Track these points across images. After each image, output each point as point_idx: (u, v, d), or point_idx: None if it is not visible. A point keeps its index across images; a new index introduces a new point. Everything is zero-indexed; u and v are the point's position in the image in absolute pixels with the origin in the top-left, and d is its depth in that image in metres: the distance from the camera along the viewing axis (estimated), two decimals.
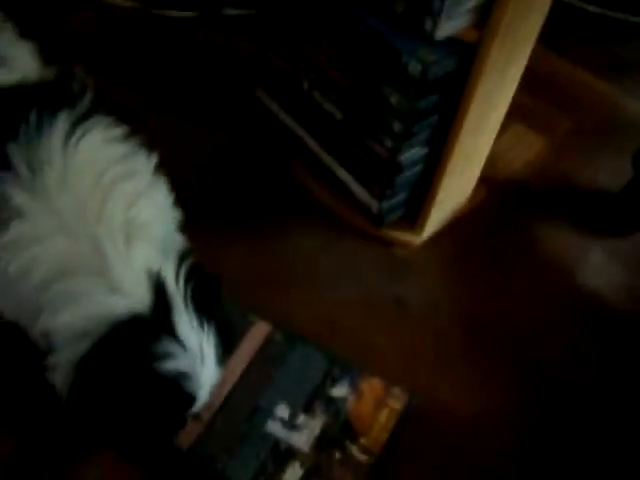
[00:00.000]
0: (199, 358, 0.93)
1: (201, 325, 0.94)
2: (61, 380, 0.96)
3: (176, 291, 0.93)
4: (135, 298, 0.91)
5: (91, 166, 0.97)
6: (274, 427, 1.21)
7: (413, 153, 1.37)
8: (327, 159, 1.54)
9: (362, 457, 1.20)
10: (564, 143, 1.79)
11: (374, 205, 1.46)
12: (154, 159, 1.07)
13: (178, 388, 0.93)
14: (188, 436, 1.17)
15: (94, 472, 1.15)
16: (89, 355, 0.92)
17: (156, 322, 0.91)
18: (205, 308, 0.96)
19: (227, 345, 1.01)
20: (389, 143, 1.35)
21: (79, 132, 0.99)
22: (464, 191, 1.56)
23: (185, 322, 0.92)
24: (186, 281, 0.96)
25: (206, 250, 1.31)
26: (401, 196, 1.47)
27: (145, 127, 1.09)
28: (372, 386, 1.27)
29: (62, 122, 0.98)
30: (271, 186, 1.60)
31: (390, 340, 1.37)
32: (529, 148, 1.76)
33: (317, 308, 1.39)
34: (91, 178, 0.96)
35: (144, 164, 1.05)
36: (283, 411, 1.23)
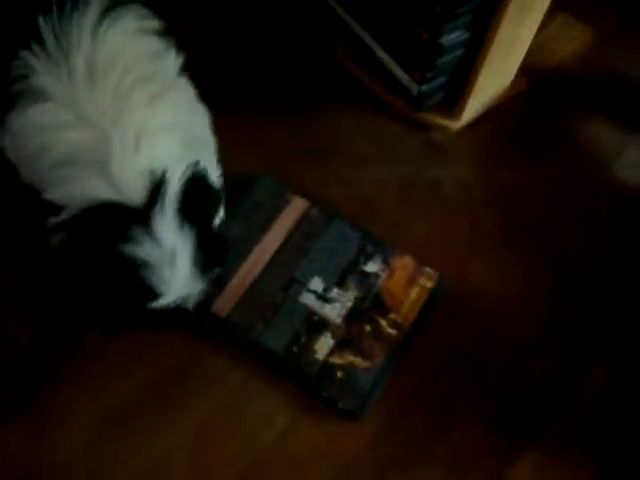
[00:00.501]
0: (168, 255, 0.96)
1: (181, 228, 0.97)
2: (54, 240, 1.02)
3: (169, 192, 0.96)
4: (126, 194, 0.95)
5: (118, 60, 0.98)
6: (308, 299, 1.26)
7: (454, 37, 1.35)
8: (369, 41, 1.53)
9: (391, 331, 1.24)
10: (611, 36, 1.75)
11: (414, 88, 1.46)
12: (181, 59, 1.08)
13: (139, 275, 0.96)
14: (225, 304, 1.23)
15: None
16: (64, 225, 0.98)
17: (135, 212, 0.94)
18: (194, 215, 0.99)
19: (215, 258, 1.03)
20: (430, 25, 1.34)
21: (112, 18, 0.99)
22: (504, 79, 1.55)
23: (165, 220, 0.95)
24: (185, 186, 0.98)
25: (247, 128, 1.38)
26: (441, 80, 1.46)
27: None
28: (404, 264, 1.31)
29: (97, 4, 0.99)
30: (314, 68, 1.60)
31: (423, 221, 1.40)
32: (575, 39, 1.72)
33: (353, 187, 1.42)
34: (116, 74, 0.97)
35: (172, 64, 1.06)
36: (317, 284, 1.27)
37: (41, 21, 0.97)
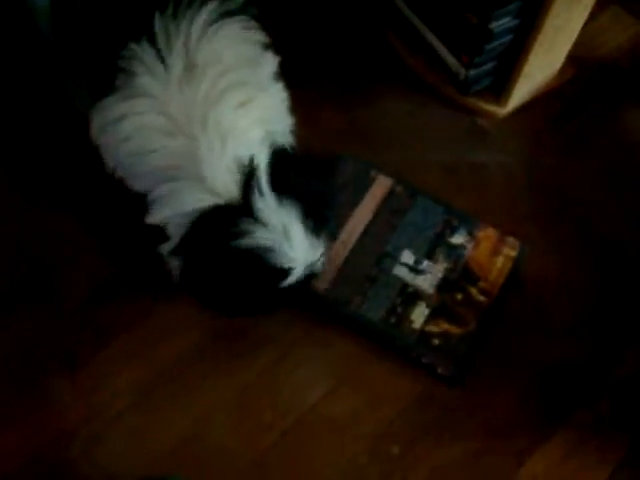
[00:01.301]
0: (282, 233, 1.00)
1: (282, 203, 1.00)
2: (173, 265, 1.08)
3: (261, 176, 1.00)
4: (224, 194, 0.99)
5: (216, 64, 1.02)
6: (401, 271, 1.30)
7: (504, 22, 1.39)
8: (419, 26, 1.57)
9: (481, 298, 1.29)
10: None
11: (462, 72, 1.50)
12: (276, 63, 1.11)
13: (265, 262, 1.00)
14: (323, 281, 1.27)
15: None
16: (180, 244, 1.03)
17: (237, 208, 0.99)
18: (288, 188, 1.02)
19: (321, 218, 1.06)
20: (481, 10, 1.38)
21: (219, 25, 1.04)
22: (552, 67, 1.59)
23: (266, 203, 0.99)
24: (272, 165, 1.02)
25: (305, 108, 1.41)
26: (489, 65, 1.50)
27: None
28: (488, 234, 1.36)
29: (209, 11, 1.03)
30: (366, 52, 1.64)
31: (464, 205, 1.42)
32: (624, 31, 1.75)
33: (398, 169, 1.45)
34: (211, 78, 1.01)
35: (268, 69, 1.10)
36: (408, 257, 1.32)
37: (157, 18, 1.01)
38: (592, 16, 1.54)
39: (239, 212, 0.99)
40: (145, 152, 1.01)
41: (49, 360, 1.21)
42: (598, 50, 1.71)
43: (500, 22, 1.39)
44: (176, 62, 1.00)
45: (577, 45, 1.57)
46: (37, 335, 1.23)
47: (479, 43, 1.43)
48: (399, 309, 1.27)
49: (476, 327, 1.26)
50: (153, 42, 1.00)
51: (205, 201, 0.99)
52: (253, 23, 1.10)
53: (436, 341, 1.24)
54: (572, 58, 1.61)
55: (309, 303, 1.26)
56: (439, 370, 1.22)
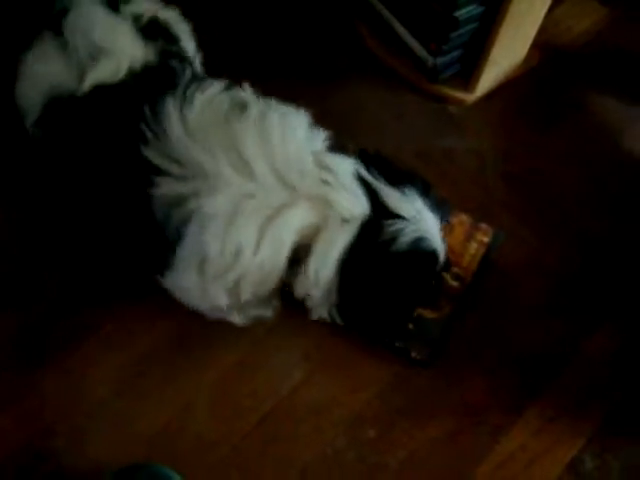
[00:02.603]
0: (420, 219, 0.99)
1: (405, 195, 0.99)
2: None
3: (374, 183, 0.98)
4: (359, 210, 0.96)
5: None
6: None
7: (469, 10, 1.42)
8: (388, 16, 1.59)
9: (454, 283, 1.32)
10: (623, 15, 1.81)
11: (429, 60, 1.52)
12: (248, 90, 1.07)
13: (421, 252, 0.99)
14: None
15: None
16: (343, 279, 0.98)
17: (375, 219, 0.96)
18: (397, 179, 1.01)
19: (428, 191, 1.06)
20: None
21: (186, 107, 0.99)
22: (518, 53, 1.62)
23: (396, 200, 0.98)
24: (373, 169, 1.00)
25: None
26: (456, 53, 1.53)
27: None
28: (461, 221, 1.38)
29: (171, 106, 0.98)
30: (335, 43, 1.66)
31: (438, 187, 1.42)
32: (589, 16, 1.79)
33: None
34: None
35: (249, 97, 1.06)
36: None
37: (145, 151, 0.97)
38: (557, 2, 1.58)
39: (379, 221, 0.97)
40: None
41: (31, 352, 1.22)
42: (563, 36, 1.74)
43: (465, 10, 1.41)
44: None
45: (542, 31, 1.60)
46: (19, 328, 1.24)
47: (445, 31, 1.45)
48: None
49: (449, 311, 1.29)
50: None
51: (348, 232, 0.96)
52: (207, 80, 1.07)
53: (410, 325, 1.26)
54: (538, 44, 1.64)
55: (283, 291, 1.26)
56: (413, 354, 1.25)
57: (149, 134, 0.95)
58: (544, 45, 1.67)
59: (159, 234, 0.96)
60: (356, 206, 0.95)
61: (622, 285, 1.39)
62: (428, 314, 1.28)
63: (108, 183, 1.00)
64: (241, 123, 0.96)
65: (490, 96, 1.62)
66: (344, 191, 0.95)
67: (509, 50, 1.55)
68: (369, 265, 0.97)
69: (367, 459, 1.18)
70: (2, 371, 1.20)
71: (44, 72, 1.07)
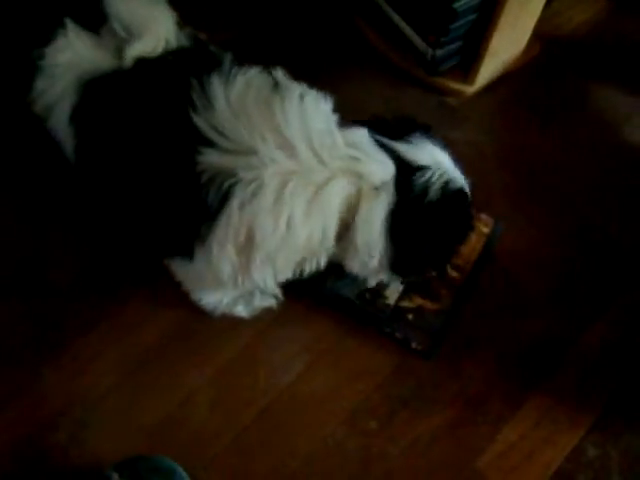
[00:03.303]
0: (438, 163, 1.04)
1: (415, 143, 1.04)
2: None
3: (389, 142, 1.03)
4: (387, 174, 1.00)
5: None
6: None
7: (467, 1, 1.42)
8: (386, 8, 1.59)
9: (455, 274, 1.32)
10: (624, 5, 1.81)
11: (429, 52, 1.52)
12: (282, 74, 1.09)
13: (452, 194, 1.05)
14: None
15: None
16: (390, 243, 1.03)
17: (402, 177, 1.01)
18: (402, 132, 1.06)
19: (429, 132, 1.12)
20: None
21: (230, 86, 1.01)
22: (518, 44, 1.62)
23: (415, 151, 1.03)
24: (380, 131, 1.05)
25: None
26: (455, 45, 1.53)
27: None
28: None
29: (217, 82, 1.01)
30: (335, 37, 1.66)
31: None
32: (589, 7, 1.79)
33: None
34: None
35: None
36: None
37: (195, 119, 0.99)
38: None
39: (407, 178, 1.01)
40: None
41: (32, 346, 1.23)
42: (564, 26, 1.74)
43: (464, 1, 1.41)
44: None
45: (542, 22, 1.60)
46: (21, 322, 1.25)
47: (444, 23, 1.45)
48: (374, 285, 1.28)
49: (450, 302, 1.29)
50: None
51: (384, 198, 1.00)
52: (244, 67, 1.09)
53: (410, 316, 1.27)
54: (538, 35, 1.64)
55: (286, 282, 1.27)
56: (413, 345, 1.25)
57: (199, 103, 0.98)
58: (544, 36, 1.67)
59: (198, 204, 0.97)
60: (384, 172, 1.00)
61: (622, 275, 1.39)
62: (428, 305, 1.28)
63: (155, 148, 1.01)
64: (282, 104, 0.99)
65: (490, 88, 1.61)
66: (371, 161, 0.99)
67: (508, 41, 1.55)
68: (412, 222, 1.02)
69: (368, 449, 1.19)
70: (4, 365, 1.21)
71: (74, 60, 1.07)
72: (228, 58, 1.07)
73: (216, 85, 1.00)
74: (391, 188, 0.99)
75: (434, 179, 1.02)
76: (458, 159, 1.48)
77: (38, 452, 1.15)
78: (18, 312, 1.25)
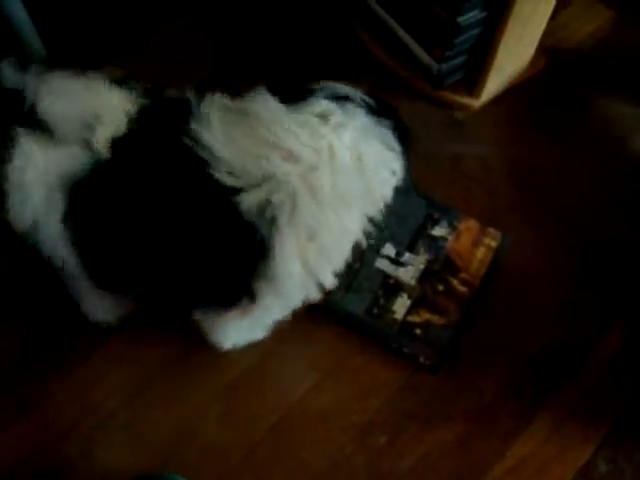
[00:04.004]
0: None
1: None
2: None
3: None
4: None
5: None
6: (382, 264, 1.33)
7: (472, 16, 1.42)
8: (391, 22, 1.60)
9: (463, 289, 1.32)
10: (631, 16, 1.80)
11: (434, 66, 1.53)
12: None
13: None
14: None
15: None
16: None
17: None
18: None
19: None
20: (448, 4, 1.41)
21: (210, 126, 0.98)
22: (523, 58, 1.62)
23: None
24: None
25: None
26: (460, 59, 1.53)
27: None
28: (469, 226, 1.39)
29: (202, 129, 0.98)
30: (337, 50, 1.66)
31: (443, 195, 1.46)
32: (595, 19, 1.78)
33: None
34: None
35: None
36: (390, 250, 1.35)
37: None
38: (562, 6, 1.57)
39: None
40: None
41: (44, 362, 1.24)
42: (569, 39, 1.74)
43: (467, 15, 1.42)
44: None
45: (548, 35, 1.60)
46: (32, 339, 1.26)
47: (448, 37, 1.46)
48: (381, 300, 1.29)
49: (458, 317, 1.29)
50: None
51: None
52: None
53: (418, 331, 1.27)
54: (544, 48, 1.64)
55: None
56: (421, 359, 1.25)
57: (206, 157, 0.95)
58: (550, 49, 1.67)
59: (250, 244, 0.96)
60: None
61: (632, 287, 1.38)
62: (436, 320, 1.28)
63: (188, 213, 0.97)
64: (258, 120, 0.98)
65: (496, 101, 1.61)
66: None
67: (514, 55, 1.55)
68: None
69: (378, 465, 1.18)
70: (16, 381, 1.21)
71: (43, 170, 0.94)
72: (191, 97, 1.02)
73: (202, 132, 0.96)
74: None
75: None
76: (465, 173, 1.51)
77: (48, 467, 1.15)
78: (28, 330, 1.26)
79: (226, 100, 1.02)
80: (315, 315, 1.29)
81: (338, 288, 1.26)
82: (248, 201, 0.94)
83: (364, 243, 1.07)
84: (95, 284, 1.06)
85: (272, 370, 1.26)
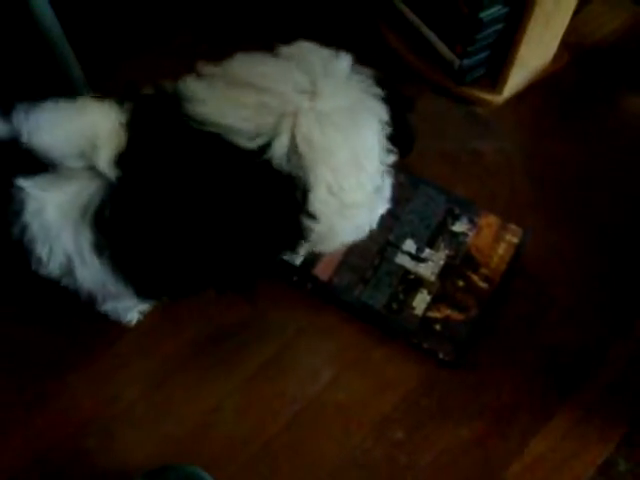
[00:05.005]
0: None
1: None
2: None
3: None
4: None
5: None
6: (403, 259, 1.33)
7: (494, 11, 1.41)
8: (413, 18, 1.60)
9: (483, 285, 1.32)
10: None
11: (456, 62, 1.52)
12: None
13: None
14: (326, 269, 1.31)
15: None
16: None
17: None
18: None
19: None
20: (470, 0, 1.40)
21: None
22: (546, 54, 1.61)
23: None
24: None
25: None
26: (482, 55, 1.52)
27: None
28: (489, 222, 1.39)
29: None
30: (360, 46, 1.66)
31: (464, 191, 1.45)
32: (619, 15, 1.77)
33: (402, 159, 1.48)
34: None
35: None
36: (410, 246, 1.35)
37: None
38: (586, 1, 1.56)
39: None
40: None
41: (62, 354, 1.25)
42: (593, 35, 1.73)
43: (490, 11, 1.41)
44: None
45: (571, 30, 1.59)
46: (50, 331, 1.27)
47: (470, 33, 1.45)
48: (401, 296, 1.29)
49: (477, 313, 1.28)
50: None
51: None
52: None
53: (437, 327, 1.27)
54: (567, 44, 1.63)
55: (313, 290, 1.30)
56: (440, 355, 1.25)
57: (216, 131, 0.95)
58: (573, 45, 1.66)
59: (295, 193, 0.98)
60: None
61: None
62: (455, 315, 1.28)
63: (227, 188, 0.97)
64: (242, 74, 1.00)
65: (519, 97, 1.61)
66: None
67: (537, 51, 1.54)
68: None
69: (396, 460, 1.18)
70: (34, 373, 1.23)
71: (59, 211, 0.91)
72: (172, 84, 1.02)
73: (200, 109, 0.96)
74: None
75: None
76: (486, 168, 1.50)
77: (66, 459, 1.16)
78: (46, 322, 1.27)
79: (206, 68, 1.03)
80: (334, 310, 1.29)
81: (359, 283, 1.27)
82: (277, 154, 0.95)
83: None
84: (138, 295, 1.06)
85: (290, 364, 1.26)
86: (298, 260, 1.31)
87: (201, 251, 1.00)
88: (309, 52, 1.05)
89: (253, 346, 1.26)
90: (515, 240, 1.36)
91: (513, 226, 1.38)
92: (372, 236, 1.32)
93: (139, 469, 1.10)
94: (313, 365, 1.26)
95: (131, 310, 1.24)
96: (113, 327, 1.27)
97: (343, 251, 1.32)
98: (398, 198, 1.37)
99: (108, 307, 1.20)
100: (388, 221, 1.36)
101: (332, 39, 1.67)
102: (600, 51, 1.70)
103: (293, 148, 0.95)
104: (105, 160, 0.91)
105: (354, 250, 1.33)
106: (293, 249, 1.09)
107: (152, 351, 1.26)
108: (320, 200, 0.99)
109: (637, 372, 1.28)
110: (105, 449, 1.17)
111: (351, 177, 1.01)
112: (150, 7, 1.70)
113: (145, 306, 1.25)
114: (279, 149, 0.95)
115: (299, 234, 1.04)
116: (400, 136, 1.08)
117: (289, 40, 1.51)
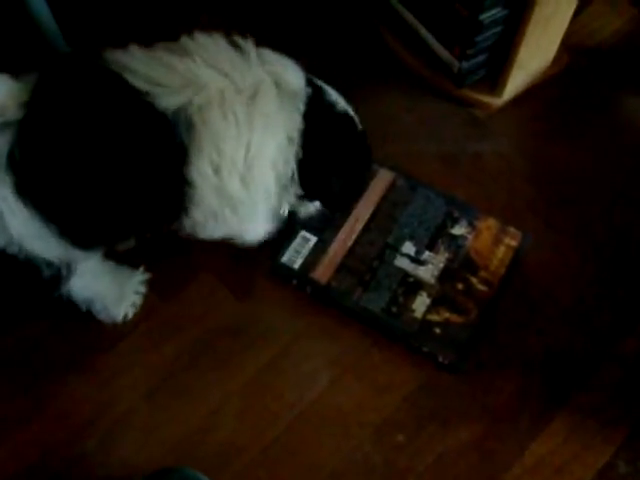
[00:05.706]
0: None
1: None
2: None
3: None
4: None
5: None
6: (402, 262, 1.33)
7: (493, 13, 1.41)
8: (412, 21, 1.59)
9: (482, 288, 1.31)
10: None
11: (455, 65, 1.52)
12: None
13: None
14: (325, 272, 1.31)
15: None
16: None
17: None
18: None
19: None
20: (470, 2, 1.40)
21: None
22: (545, 56, 1.60)
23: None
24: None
25: None
26: (481, 57, 1.52)
27: None
28: (488, 225, 1.38)
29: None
30: (360, 49, 1.66)
31: (463, 194, 1.45)
32: (619, 17, 1.77)
33: (397, 162, 1.48)
34: None
35: None
36: (409, 248, 1.34)
37: None
38: (585, 3, 1.56)
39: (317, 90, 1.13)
40: None
41: (61, 357, 1.25)
42: (593, 37, 1.72)
43: (489, 13, 1.41)
44: None
45: (571, 33, 1.59)
46: (49, 332, 1.27)
47: (470, 35, 1.45)
48: (400, 299, 1.29)
49: (477, 316, 1.28)
50: None
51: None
52: None
53: (437, 330, 1.26)
54: (567, 46, 1.62)
55: (312, 293, 1.30)
56: (440, 358, 1.24)
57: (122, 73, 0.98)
58: (573, 47, 1.66)
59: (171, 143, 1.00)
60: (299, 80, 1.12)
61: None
62: (455, 318, 1.28)
63: (113, 120, 0.98)
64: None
65: (518, 100, 1.60)
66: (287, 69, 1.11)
67: (536, 53, 1.54)
68: (324, 129, 1.13)
69: (395, 463, 1.18)
70: (33, 376, 1.23)
71: None
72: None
73: (120, 57, 0.99)
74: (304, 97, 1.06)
75: (337, 97, 1.13)
76: (485, 171, 1.50)
77: (66, 461, 1.16)
78: (45, 324, 1.27)
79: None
80: (333, 313, 1.29)
81: (357, 286, 1.27)
82: (165, 102, 0.96)
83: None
84: (74, 244, 1.05)
85: (289, 367, 1.26)
86: (297, 264, 1.30)
87: (100, 191, 1.00)
88: (268, 56, 1.08)
89: (252, 350, 1.26)
90: (514, 243, 1.36)
91: (512, 229, 1.37)
92: (371, 239, 1.32)
93: (139, 472, 1.10)
94: (312, 368, 1.26)
95: (118, 303, 1.25)
96: (112, 331, 1.27)
97: (342, 254, 1.32)
98: (397, 201, 1.38)
99: (98, 307, 1.22)
100: (387, 224, 1.36)
101: (332, 39, 1.69)
102: (600, 53, 1.70)
103: (189, 118, 0.97)
104: (13, 106, 0.93)
105: (353, 253, 1.33)
106: (177, 216, 1.07)
107: (151, 355, 1.25)
108: (200, 172, 1.00)
109: (638, 376, 1.27)
110: (105, 452, 1.17)
111: (236, 168, 1.03)
112: (150, 6, 1.70)
113: (132, 298, 1.27)
114: (169, 100, 0.96)
115: (181, 199, 1.03)
116: (315, 176, 1.13)
117: (289, 40, 1.52)
